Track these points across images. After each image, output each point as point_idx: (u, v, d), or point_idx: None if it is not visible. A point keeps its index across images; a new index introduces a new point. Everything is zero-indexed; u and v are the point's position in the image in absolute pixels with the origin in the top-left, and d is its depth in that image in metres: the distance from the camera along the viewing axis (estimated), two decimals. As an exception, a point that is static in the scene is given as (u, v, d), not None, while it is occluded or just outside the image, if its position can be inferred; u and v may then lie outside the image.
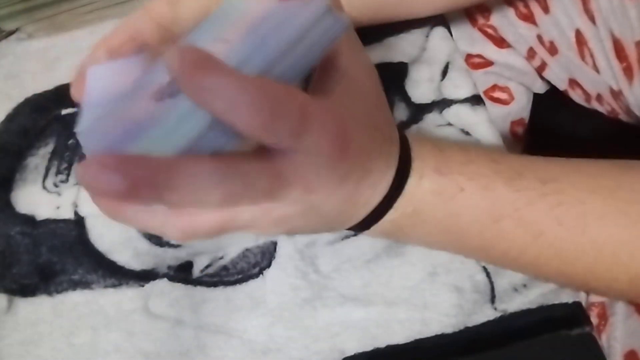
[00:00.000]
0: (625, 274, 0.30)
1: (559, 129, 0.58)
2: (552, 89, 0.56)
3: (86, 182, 0.22)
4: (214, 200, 0.24)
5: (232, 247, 0.38)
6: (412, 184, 0.32)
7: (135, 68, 0.29)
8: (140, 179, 0.22)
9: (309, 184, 0.27)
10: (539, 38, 0.52)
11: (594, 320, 0.41)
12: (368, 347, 0.34)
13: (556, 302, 0.34)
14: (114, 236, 0.39)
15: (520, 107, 0.56)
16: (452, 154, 0.33)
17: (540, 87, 0.57)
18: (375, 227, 0.32)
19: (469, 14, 0.55)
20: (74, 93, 0.33)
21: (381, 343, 0.34)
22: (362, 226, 0.32)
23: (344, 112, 0.28)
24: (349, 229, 0.33)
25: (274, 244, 0.38)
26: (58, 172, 0.42)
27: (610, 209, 0.31)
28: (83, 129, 0.26)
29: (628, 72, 0.45)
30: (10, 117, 0.45)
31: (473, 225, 0.32)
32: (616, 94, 0.48)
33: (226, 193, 0.24)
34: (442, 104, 0.42)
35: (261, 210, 0.27)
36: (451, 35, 0.46)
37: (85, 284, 0.38)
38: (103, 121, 0.25)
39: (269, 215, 0.27)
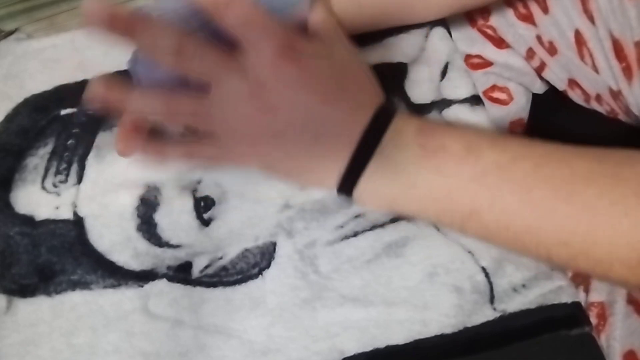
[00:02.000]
0: (624, 237, 0.29)
1: (558, 129, 0.58)
2: (552, 89, 0.56)
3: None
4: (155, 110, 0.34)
5: (232, 248, 0.38)
6: (392, 134, 0.32)
7: None
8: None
9: (227, 126, 0.34)
10: (538, 38, 0.52)
11: (593, 320, 0.41)
12: (367, 348, 0.34)
13: (555, 302, 0.34)
14: (113, 236, 0.39)
15: (519, 108, 0.56)
16: (435, 122, 0.35)
17: (540, 88, 0.57)
18: (362, 184, 0.33)
19: (468, 15, 0.55)
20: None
21: (381, 343, 0.34)
22: (346, 182, 0.33)
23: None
24: (338, 190, 0.34)
25: (274, 244, 0.38)
26: (57, 173, 0.42)
27: (598, 170, 0.30)
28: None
29: (627, 72, 0.45)
30: (10, 118, 0.45)
31: (459, 181, 0.31)
32: (615, 94, 0.48)
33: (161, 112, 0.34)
34: (442, 104, 0.42)
35: (212, 149, 0.36)
36: (450, 35, 0.46)
37: (84, 284, 0.38)
38: None
39: (216, 152, 0.36)
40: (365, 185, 0.33)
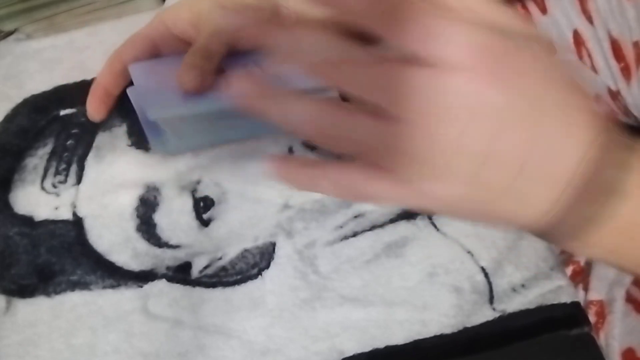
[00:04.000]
0: None
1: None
2: (551, 89, 0.56)
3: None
4: (307, 131, 0.25)
5: (231, 248, 0.38)
6: (613, 166, 0.24)
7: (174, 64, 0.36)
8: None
9: (418, 162, 0.24)
10: (537, 38, 0.52)
11: (592, 318, 0.41)
12: (367, 348, 0.34)
13: (555, 302, 0.34)
14: (112, 237, 0.39)
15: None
16: None
17: (539, 88, 0.57)
18: (597, 235, 0.25)
19: (468, 15, 0.55)
20: (91, 111, 0.34)
21: (380, 344, 0.34)
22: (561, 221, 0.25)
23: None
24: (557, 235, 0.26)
25: (273, 244, 0.38)
26: (57, 173, 0.42)
27: None
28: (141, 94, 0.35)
29: (626, 72, 0.45)
30: (9, 118, 0.45)
31: None
32: (614, 95, 0.48)
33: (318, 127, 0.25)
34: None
35: (389, 185, 0.26)
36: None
37: (84, 285, 0.37)
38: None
39: (394, 189, 0.26)
40: (604, 231, 0.25)
